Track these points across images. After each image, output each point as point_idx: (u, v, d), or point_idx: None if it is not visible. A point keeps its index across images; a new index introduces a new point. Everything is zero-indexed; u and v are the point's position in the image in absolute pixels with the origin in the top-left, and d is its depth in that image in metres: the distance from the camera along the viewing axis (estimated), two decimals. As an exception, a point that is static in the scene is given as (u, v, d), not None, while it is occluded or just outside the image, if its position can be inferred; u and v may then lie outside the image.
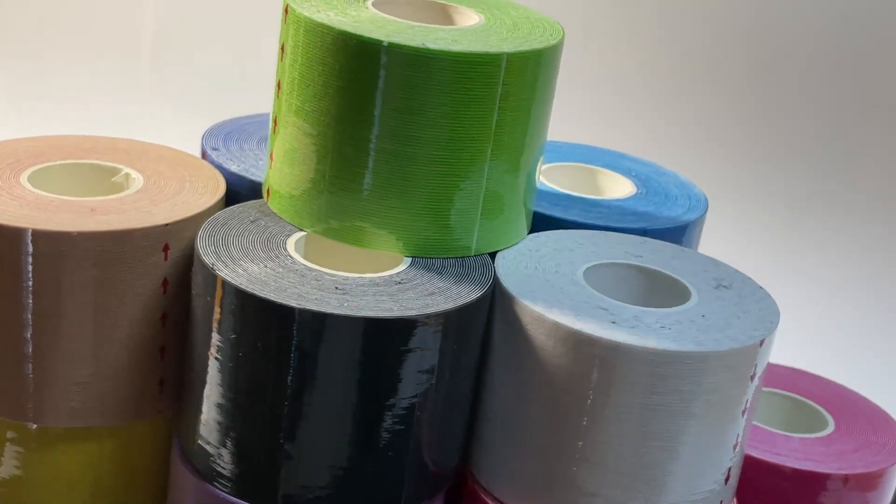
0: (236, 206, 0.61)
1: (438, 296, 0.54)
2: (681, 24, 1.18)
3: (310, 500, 0.55)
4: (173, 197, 0.61)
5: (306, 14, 0.56)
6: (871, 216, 1.17)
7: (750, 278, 0.60)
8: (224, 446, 0.56)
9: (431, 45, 0.54)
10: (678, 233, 0.67)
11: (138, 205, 0.60)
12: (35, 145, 0.66)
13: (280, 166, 0.59)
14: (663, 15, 1.18)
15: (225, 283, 0.53)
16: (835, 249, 1.18)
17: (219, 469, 0.56)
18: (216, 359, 0.54)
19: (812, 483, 0.62)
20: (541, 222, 0.64)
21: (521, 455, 0.56)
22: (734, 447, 0.56)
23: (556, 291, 0.56)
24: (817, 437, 0.65)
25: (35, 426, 0.61)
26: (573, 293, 0.56)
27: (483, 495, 0.58)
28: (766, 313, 0.56)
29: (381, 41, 0.54)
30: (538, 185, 0.63)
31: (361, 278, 0.55)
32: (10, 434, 0.61)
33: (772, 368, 0.71)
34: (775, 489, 0.62)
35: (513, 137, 0.57)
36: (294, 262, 0.56)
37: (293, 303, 0.51)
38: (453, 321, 0.54)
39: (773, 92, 1.17)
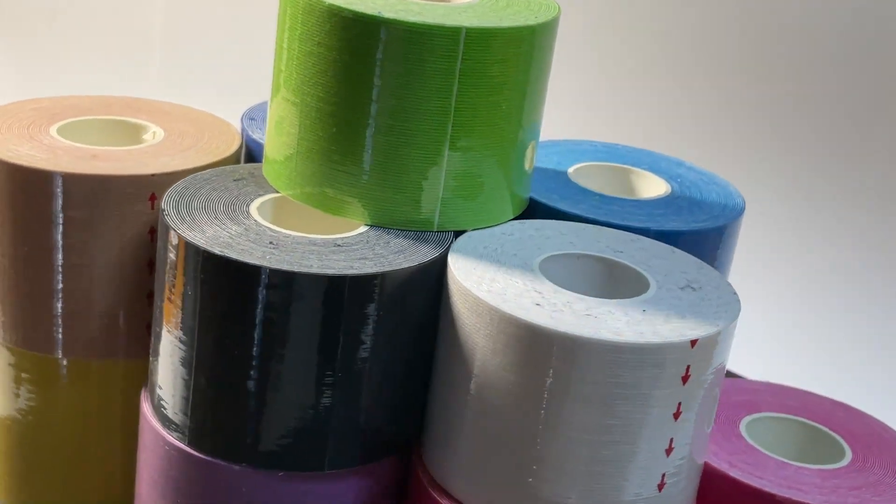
0: (229, 167, 0.64)
1: (371, 261, 0.55)
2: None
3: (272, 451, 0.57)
4: (181, 153, 0.65)
5: None
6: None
7: (729, 285, 0.58)
8: (181, 397, 0.58)
9: (386, 14, 0.55)
10: (709, 235, 0.65)
11: (140, 156, 0.64)
12: (79, 102, 0.71)
13: (270, 133, 0.61)
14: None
15: (186, 243, 0.55)
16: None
17: (172, 418, 0.58)
18: (177, 309, 0.57)
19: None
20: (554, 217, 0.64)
21: (456, 436, 0.56)
22: (667, 452, 0.54)
23: (498, 272, 0.56)
24: (834, 468, 0.62)
25: (64, 359, 0.65)
26: (516, 276, 0.55)
27: (427, 483, 0.58)
28: (716, 317, 0.54)
29: (340, 8, 0.55)
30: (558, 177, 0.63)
31: (300, 236, 0.57)
32: (27, 367, 0.65)
33: (782, 391, 0.69)
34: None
35: (478, 115, 0.57)
36: (255, 221, 0.58)
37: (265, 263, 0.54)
38: (376, 287, 0.54)
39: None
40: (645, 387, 0.52)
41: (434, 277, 0.57)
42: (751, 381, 0.69)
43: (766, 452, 0.62)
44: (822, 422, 0.65)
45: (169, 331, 0.57)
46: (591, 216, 0.64)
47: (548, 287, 0.55)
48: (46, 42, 1.30)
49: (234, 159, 0.66)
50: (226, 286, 0.54)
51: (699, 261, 0.60)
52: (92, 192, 0.61)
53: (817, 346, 1.09)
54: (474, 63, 0.56)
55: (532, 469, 0.54)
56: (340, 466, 0.58)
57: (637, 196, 0.70)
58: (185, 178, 0.61)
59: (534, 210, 0.64)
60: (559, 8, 0.61)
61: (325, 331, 0.55)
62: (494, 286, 0.54)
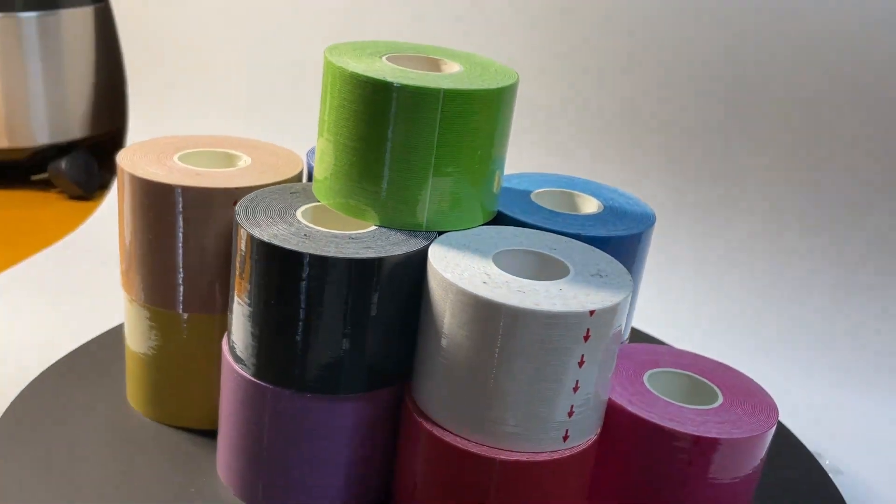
0: (290, 184, 0.65)
1: (373, 250, 0.56)
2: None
3: (307, 379, 0.58)
4: (259, 174, 0.67)
5: (336, 63, 0.59)
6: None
7: (628, 274, 0.58)
8: (246, 342, 0.59)
9: (389, 79, 0.57)
10: (629, 240, 0.65)
11: (231, 176, 0.65)
12: (197, 139, 0.73)
13: (317, 161, 0.62)
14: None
15: (249, 235, 0.56)
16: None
17: (240, 356, 0.60)
18: (244, 281, 0.58)
19: (703, 445, 0.58)
20: (514, 224, 0.64)
21: (441, 379, 0.57)
22: (574, 390, 0.55)
23: (462, 260, 0.57)
24: (707, 408, 0.61)
25: (184, 314, 0.67)
26: (474, 263, 0.56)
27: (415, 413, 0.59)
28: (613, 296, 0.54)
29: (359, 75, 0.57)
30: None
31: (327, 231, 0.58)
32: (156, 318, 0.67)
33: (680, 354, 0.68)
34: (673, 450, 0.58)
35: (454, 152, 0.58)
36: (300, 222, 0.59)
37: (299, 249, 0.55)
38: (375, 267, 0.56)
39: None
40: (557, 342, 0.53)
41: (420, 262, 0.58)
42: (658, 346, 0.69)
43: (659, 395, 0.62)
44: (705, 376, 0.65)
45: (239, 296, 0.59)
46: (542, 224, 0.64)
47: (495, 271, 0.56)
48: (170, 93, 1.32)
49: (296, 179, 0.68)
50: (273, 266, 0.56)
51: (611, 257, 0.60)
52: (197, 199, 0.63)
53: (733, 325, 1.07)
54: (450, 114, 0.57)
55: (485, 401, 0.55)
56: (351, 392, 0.59)
57: (578, 212, 0.70)
58: (257, 191, 0.63)
59: (501, 219, 0.65)
60: (517, 76, 0.62)
61: (341, 297, 0.56)
62: (457, 269, 0.55)
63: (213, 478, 0.64)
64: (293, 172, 0.68)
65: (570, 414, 0.55)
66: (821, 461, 0.78)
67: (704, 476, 0.58)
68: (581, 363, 0.54)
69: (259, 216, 0.59)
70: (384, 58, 0.62)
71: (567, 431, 0.56)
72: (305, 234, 0.57)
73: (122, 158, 0.66)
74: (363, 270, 0.55)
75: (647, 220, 0.68)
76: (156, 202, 0.63)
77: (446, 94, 0.56)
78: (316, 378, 0.58)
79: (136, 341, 0.69)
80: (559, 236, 0.62)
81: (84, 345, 0.79)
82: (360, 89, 0.57)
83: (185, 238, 0.64)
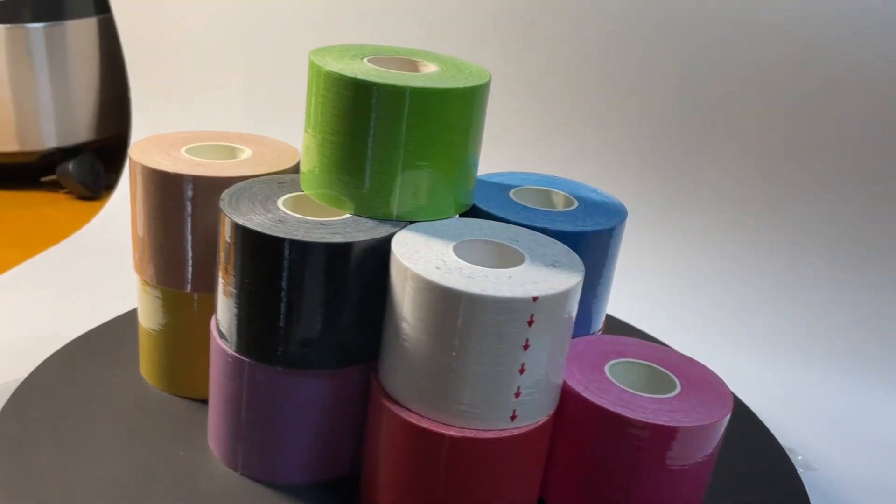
0: (280, 175, 0.71)
1: (340, 235, 0.61)
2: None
3: (280, 355, 0.63)
4: (256, 165, 0.73)
5: (317, 63, 0.64)
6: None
7: (581, 266, 0.62)
8: (229, 321, 0.64)
9: (360, 77, 0.62)
10: (601, 234, 0.69)
11: (229, 167, 0.71)
12: (202, 134, 0.78)
13: (303, 154, 0.67)
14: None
15: (229, 220, 0.62)
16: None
17: (224, 333, 0.65)
18: (228, 263, 0.63)
19: (652, 432, 0.62)
20: (487, 218, 0.69)
21: (402, 358, 0.62)
22: (520, 372, 0.59)
23: (422, 247, 0.61)
24: (662, 397, 0.65)
25: (193, 293, 0.72)
26: (433, 250, 0.61)
27: (378, 391, 0.63)
28: (560, 285, 0.58)
29: (339, 74, 0.62)
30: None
31: (301, 218, 0.63)
32: (166, 297, 0.73)
33: (647, 347, 0.72)
34: (623, 435, 0.62)
35: (423, 147, 0.62)
36: (280, 210, 0.64)
37: (271, 232, 0.60)
38: (341, 252, 0.61)
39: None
40: (502, 326, 0.57)
41: (387, 249, 0.63)
42: (628, 338, 0.73)
43: (617, 383, 0.66)
44: (667, 367, 0.68)
45: (222, 277, 0.64)
46: (512, 219, 0.69)
47: (452, 259, 0.61)
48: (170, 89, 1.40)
49: (293, 171, 0.73)
50: (248, 248, 0.61)
51: (569, 250, 0.64)
52: (204, 187, 0.69)
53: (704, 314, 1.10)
54: (418, 112, 0.62)
55: (437, 380, 0.59)
56: (322, 368, 0.64)
57: (554, 208, 0.74)
58: (245, 181, 0.69)
59: (475, 213, 0.70)
60: (489, 77, 0.66)
61: (312, 279, 0.61)
62: (416, 256, 0.60)
63: (204, 444, 0.70)
64: (289, 164, 0.73)
65: (518, 395, 0.60)
66: (793, 457, 0.80)
67: (654, 461, 0.62)
68: (526, 347, 0.58)
69: (242, 204, 0.64)
70: (366, 59, 0.67)
71: (515, 412, 0.60)
72: (280, 220, 0.63)
73: (135, 151, 0.72)
74: (329, 254, 0.61)
75: (618, 216, 0.72)
76: (166, 190, 0.70)
77: (413, 92, 0.61)
78: (289, 354, 0.63)
79: (149, 319, 0.76)
80: (525, 230, 0.67)
81: (96, 327, 0.86)
82: (336, 87, 0.63)
83: (192, 223, 0.70)
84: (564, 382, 0.64)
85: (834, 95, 1.07)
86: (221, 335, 0.66)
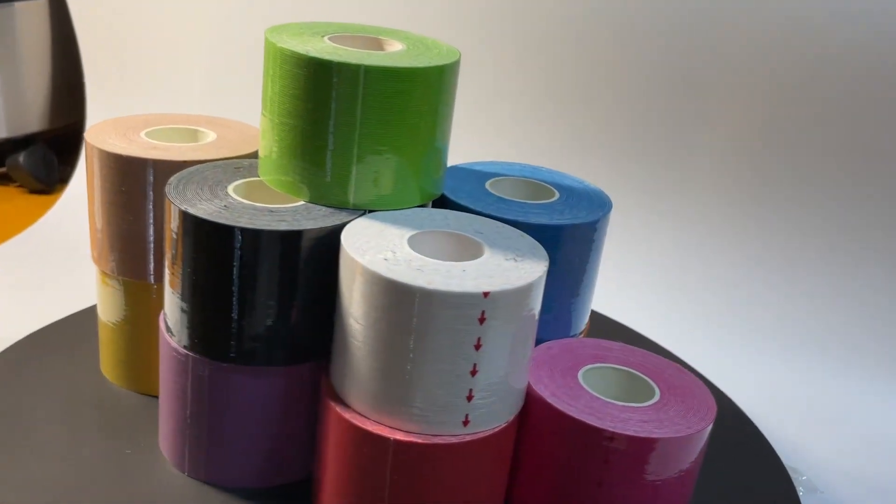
0: (238, 160, 0.68)
1: (286, 223, 0.58)
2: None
3: (223, 350, 0.61)
4: (216, 149, 0.70)
5: (271, 39, 0.62)
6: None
7: (544, 261, 0.58)
8: (175, 316, 0.62)
9: (313, 54, 0.59)
10: (584, 227, 0.66)
11: (187, 150, 0.69)
12: (165, 117, 0.76)
13: (260, 140, 0.65)
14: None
15: (172, 205, 0.59)
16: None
17: (171, 327, 0.62)
18: (170, 257, 0.61)
19: (621, 443, 0.58)
20: (457, 209, 0.66)
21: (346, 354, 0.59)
22: (472, 373, 0.56)
23: (373, 237, 0.58)
24: (636, 405, 0.61)
25: (154, 284, 0.70)
26: (386, 241, 0.58)
27: (325, 391, 0.60)
28: (516, 281, 0.54)
29: (284, 50, 0.59)
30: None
31: (249, 204, 0.61)
32: (127, 289, 0.71)
33: (630, 351, 0.67)
34: (588, 446, 0.58)
35: (380, 130, 0.59)
36: (229, 197, 0.62)
37: (211, 218, 0.58)
38: (287, 241, 0.58)
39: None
40: (450, 323, 0.54)
41: (338, 239, 0.59)
42: (611, 342, 0.69)
43: (589, 390, 0.62)
44: (647, 373, 0.64)
45: (168, 266, 0.62)
46: (484, 210, 0.65)
47: (404, 250, 0.57)
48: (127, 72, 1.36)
49: (254, 156, 0.70)
50: (189, 235, 0.59)
51: (538, 245, 0.61)
52: (166, 171, 0.66)
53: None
54: (373, 92, 0.59)
55: (382, 379, 0.56)
56: (269, 364, 0.61)
57: (533, 200, 0.70)
58: (200, 165, 0.66)
59: (444, 203, 0.66)
60: (457, 56, 0.63)
61: (256, 269, 0.59)
62: (364, 246, 0.57)
63: (156, 445, 0.68)
64: (254, 148, 0.71)
65: (470, 398, 0.56)
66: (797, 476, 0.76)
67: (623, 475, 0.58)
68: (478, 346, 0.55)
69: (189, 189, 0.62)
70: (327, 37, 0.64)
71: (467, 416, 0.57)
72: (226, 206, 0.60)
73: (91, 135, 0.70)
74: (272, 243, 0.58)
75: (601, 208, 0.68)
76: (125, 176, 0.67)
77: (367, 71, 0.58)
78: (234, 349, 0.61)
79: (108, 313, 0.73)
80: (493, 221, 0.63)
81: (54, 322, 0.84)
82: (288, 65, 0.60)
83: (153, 210, 0.68)
84: (530, 387, 0.61)
85: (829, 78, 1.05)
86: (167, 327, 0.63)
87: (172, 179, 0.63)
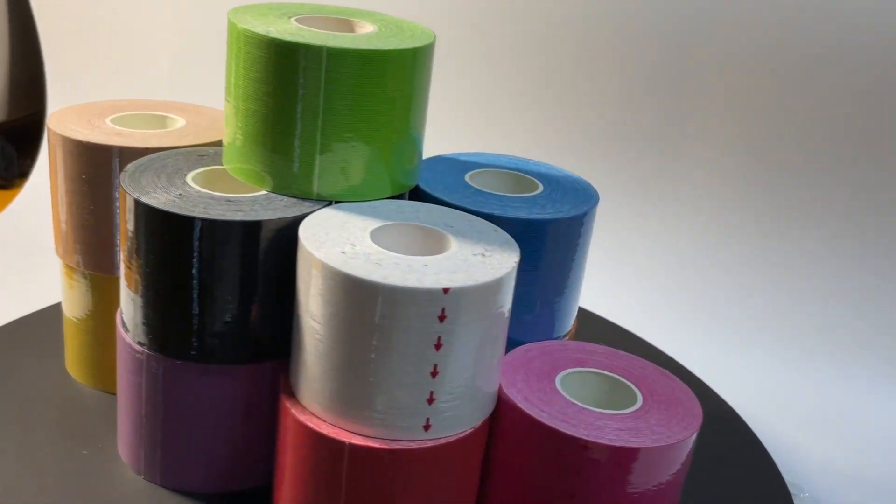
0: (204, 148, 0.66)
1: (243, 213, 0.56)
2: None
3: (177, 346, 0.59)
4: (182, 136, 0.68)
5: (232, 20, 0.60)
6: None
7: (515, 258, 0.55)
8: (128, 309, 0.60)
9: (274, 35, 0.57)
10: (564, 224, 0.63)
11: (165, 138, 0.67)
12: (132, 102, 0.74)
13: (225, 126, 0.62)
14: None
15: (126, 194, 0.57)
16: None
17: (126, 323, 0.61)
18: (124, 248, 0.59)
19: (594, 452, 0.56)
20: (432, 202, 0.63)
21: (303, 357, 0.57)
22: (433, 375, 0.53)
23: (334, 229, 0.56)
24: (614, 412, 0.58)
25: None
26: (347, 233, 0.55)
27: (283, 391, 0.58)
28: (480, 277, 0.52)
29: (246, 31, 0.57)
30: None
31: (206, 193, 0.58)
32: (94, 284, 0.69)
33: (614, 356, 0.64)
34: (560, 454, 0.55)
35: (345, 116, 0.57)
36: (187, 186, 0.60)
37: (164, 207, 0.56)
38: (243, 232, 0.55)
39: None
40: (408, 320, 0.51)
41: (285, 228, 0.57)
42: (595, 345, 0.66)
43: (566, 395, 0.59)
44: (631, 378, 0.61)
45: (122, 261, 0.60)
46: (460, 203, 0.63)
47: (365, 243, 0.55)
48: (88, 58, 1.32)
49: (220, 143, 0.68)
50: (142, 224, 0.57)
51: (510, 240, 0.58)
52: (129, 158, 0.64)
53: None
54: (337, 76, 0.56)
55: (338, 379, 0.53)
56: (226, 362, 0.59)
57: (516, 193, 0.67)
58: (162, 153, 0.64)
59: (419, 195, 0.64)
60: (432, 39, 0.60)
61: (212, 261, 0.56)
62: (322, 238, 0.55)
63: (114, 445, 0.66)
64: (220, 136, 0.69)
65: (431, 401, 0.54)
66: (799, 493, 0.72)
67: (596, 484, 0.55)
68: (438, 346, 0.52)
69: (146, 177, 0.60)
70: (293, 19, 0.62)
71: (429, 420, 0.54)
72: (181, 195, 0.58)
73: (53, 121, 0.68)
74: (226, 233, 0.56)
75: (587, 202, 0.65)
76: (90, 164, 0.65)
77: (330, 53, 0.56)
78: (190, 346, 0.58)
79: (74, 308, 0.71)
80: (467, 215, 0.61)
81: (18, 319, 0.82)
82: (248, 47, 0.58)
83: (120, 199, 0.65)
84: (501, 391, 0.58)
85: (825, 71, 1.03)
86: (123, 323, 0.61)
87: (129, 167, 0.61)
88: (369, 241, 0.55)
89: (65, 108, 0.71)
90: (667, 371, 0.64)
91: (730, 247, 1.09)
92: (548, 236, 0.62)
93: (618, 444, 0.55)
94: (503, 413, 0.58)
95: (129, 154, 0.64)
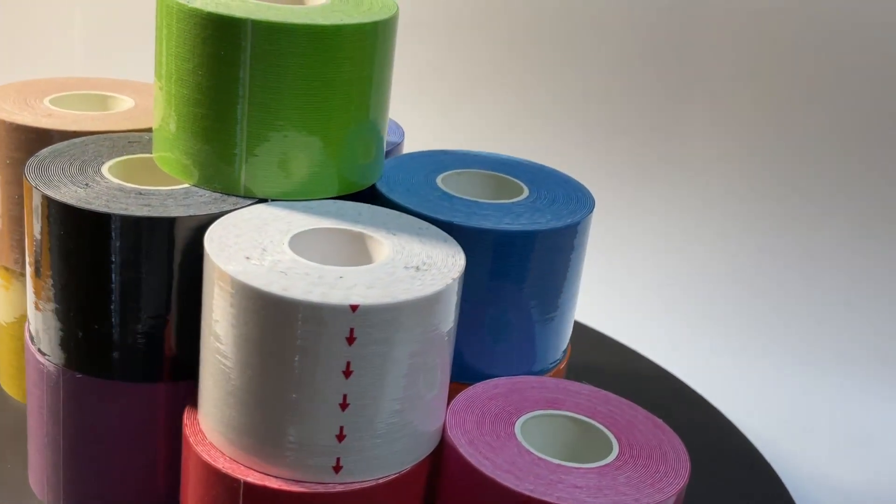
0: (137, 133, 0.62)
1: (150, 209, 0.51)
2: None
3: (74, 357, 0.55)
4: (125, 119, 0.64)
5: None
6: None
7: (459, 267, 0.49)
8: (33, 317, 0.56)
9: (196, 5, 0.52)
10: (562, 231, 0.57)
11: (117, 121, 0.64)
12: (68, 81, 0.71)
13: (154, 109, 0.58)
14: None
15: (31, 189, 0.53)
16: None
17: (33, 334, 0.57)
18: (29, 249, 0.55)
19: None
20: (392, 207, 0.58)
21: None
22: (342, 407, 0.47)
23: (249, 232, 0.51)
24: (586, 466, 0.51)
25: None
26: (261, 239, 0.50)
27: (186, 418, 0.53)
28: (403, 294, 0.46)
29: (167, 1, 0.53)
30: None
31: (117, 183, 0.54)
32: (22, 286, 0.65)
33: (595, 395, 0.57)
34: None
35: (276, 100, 0.52)
36: (100, 177, 0.55)
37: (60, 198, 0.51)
38: (141, 226, 0.51)
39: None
40: (312, 340, 0.46)
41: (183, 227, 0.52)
42: (575, 383, 0.59)
43: (522, 441, 0.52)
44: (612, 427, 0.55)
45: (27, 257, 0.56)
46: (419, 209, 0.57)
47: (279, 249, 0.49)
48: None
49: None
50: (37, 215, 0.53)
51: (459, 253, 0.52)
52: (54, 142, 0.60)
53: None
54: (264, 53, 0.51)
55: (236, 407, 0.49)
56: (125, 379, 0.54)
57: (498, 199, 0.61)
58: (83, 139, 0.60)
59: (374, 198, 0.58)
60: (394, 11, 0.55)
61: (109, 260, 0.52)
62: (229, 241, 0.50)
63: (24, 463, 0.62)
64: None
65: (341, 438, 0.48)
66: None
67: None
68: (348, 373, 0.46)
69: (56, 165, 0.55)
70: None
71: (339, 460, 0.48)
72: (87, 185, 0.53)
73: None
74: (124, 230, 0.51)
75: (577, 212, 0.59)
76: (19, 148, 0.62)
77: (255, 27, 0.51)
78: (84, 358, 0.54)
79: (7, 313, 0.68)
80: (420, 222, 0.55)
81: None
82: (169, 18, 0.53)
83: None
84: (446, 433, 0.52)
85: (825, 66, 1.05)
86: (29, 333, 0.57)
87: (42, 152, 0.57)
88: (285, 248, 0.49)
89: (5, 84, 0.68)
90: (660, 420, 0.56)
91: (733, 251, 1.10)
92: (515, 251, 0.56)
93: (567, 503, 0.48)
94: (447, 458, 0.51)
95: (59, 138, 0.60)
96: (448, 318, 0.49)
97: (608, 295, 1.02)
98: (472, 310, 0.56)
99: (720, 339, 1.00)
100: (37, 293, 0.54)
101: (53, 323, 0.54)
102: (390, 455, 0.49)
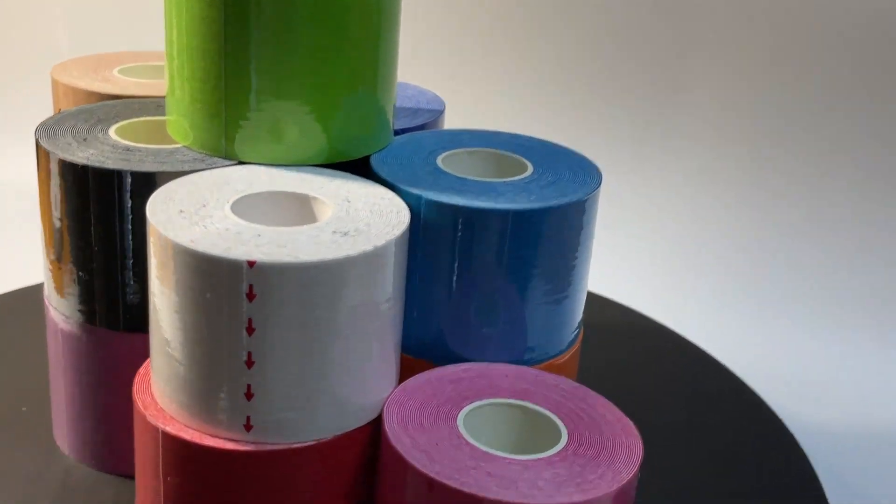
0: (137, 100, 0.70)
1: (134, 164, 0.58)
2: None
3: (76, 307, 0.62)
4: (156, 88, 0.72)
5: None
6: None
7: (380, 242, 0.52)
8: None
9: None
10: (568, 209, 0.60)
11: (128, 85, 0.72)
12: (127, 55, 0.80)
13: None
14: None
15: (38, 145, 0.61)
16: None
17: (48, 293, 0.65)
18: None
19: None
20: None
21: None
22: (248, 364, 0.51)
23: (199, 191, 0.56)
24: (529, 458, 0.52)
25: None
26: (201, 199, 0.55)
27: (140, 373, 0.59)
28: (311, 256, 0.50)
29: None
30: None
31: (118, 141, 0.61)
32: None
33: (566, 389, 0.58)
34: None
35: (257, 55, 0.57)
36: (108, 138, 0.62)
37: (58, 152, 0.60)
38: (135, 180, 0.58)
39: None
40: (210, 293, 0.51)
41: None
42: (553, 375, 0.59)
43: (461, 430, 0.54)
44: (560, 411, 0.56)
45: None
46: (412, 190, 0.59)
47: (219, 210, 0.54)
48: None
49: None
50: (40, 167, 0.61)
51: (403, 224, 0.55)
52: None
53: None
54: (234, 6, 0.57)
55: (158, 355, 0.55)
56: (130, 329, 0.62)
57: (499, 177, 0.63)
58: (120, 101, 0.68)
59: (368, 173, 0.62)
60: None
61: (86, 212, 0.59)
62: (172, 198, 0.55)
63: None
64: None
65: (249, 396, 0.52)
66: None
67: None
68: (250, 330, 0.51)
69: (67, 123, 0.63)
70: None
71: (249, 419, 0.53)
72: (84, 140, 0.61)
73: (58, 70, 0.74)
74: (99, 182, 0.58)
75: (582, 188, 0.61)
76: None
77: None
78: (85, 309, 0.62)
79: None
80: (387, 192, 0.59)
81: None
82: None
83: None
84: (381, 417, 0.55)
85: (830, 40, 1.12)
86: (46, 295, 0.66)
87: (70, 110, 0.65)
88: (226, 207, 0.55)
89: (72, 59, 0.78)
90: (615, 406, 0.57)
91: (742, 223, 1.18)
92: (490, 230, 0.58)
93: (518, 500, 0.49)
94: (383, 445, 0.55)
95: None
96: (376, 288, 0.52)
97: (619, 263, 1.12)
98: (470, 290, 0.60)
99: (733, 302, 1.09)
100: (43, 244, 0.63)
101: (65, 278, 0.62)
102: (307, 421, 0.53)
